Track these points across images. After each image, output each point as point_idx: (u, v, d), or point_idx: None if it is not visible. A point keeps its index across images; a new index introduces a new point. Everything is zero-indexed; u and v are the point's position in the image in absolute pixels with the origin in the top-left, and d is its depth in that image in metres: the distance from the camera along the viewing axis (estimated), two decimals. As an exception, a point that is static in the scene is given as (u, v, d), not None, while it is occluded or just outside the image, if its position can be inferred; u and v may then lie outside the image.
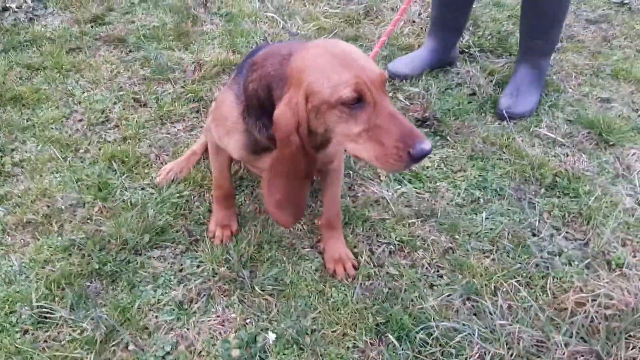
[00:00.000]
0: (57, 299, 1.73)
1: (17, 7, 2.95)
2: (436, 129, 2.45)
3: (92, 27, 2.89)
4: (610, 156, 2.38)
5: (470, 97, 2.65)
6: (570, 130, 2.50)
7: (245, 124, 1.54)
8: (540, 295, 1.85)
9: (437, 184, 2.23)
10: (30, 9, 2.96)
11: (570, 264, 1.95)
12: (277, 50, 1.43)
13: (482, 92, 2.64)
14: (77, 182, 2.09)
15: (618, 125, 2.49)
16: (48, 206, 2.01)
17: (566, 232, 2.06)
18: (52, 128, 2.30)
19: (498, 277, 1.87)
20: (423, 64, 2.72)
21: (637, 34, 3.16)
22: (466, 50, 2.94)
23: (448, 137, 2.42)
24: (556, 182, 2.24)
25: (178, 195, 2.06)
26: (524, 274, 1.90)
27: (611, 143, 2.43)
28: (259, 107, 1.46)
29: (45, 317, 1.67)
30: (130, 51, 2.76)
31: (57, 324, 1.66)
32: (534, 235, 2.05)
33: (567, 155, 2.38)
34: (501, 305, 1.78)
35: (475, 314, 1.77)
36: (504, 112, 2.49)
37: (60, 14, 2.95)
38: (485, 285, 1.85)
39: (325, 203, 1.88)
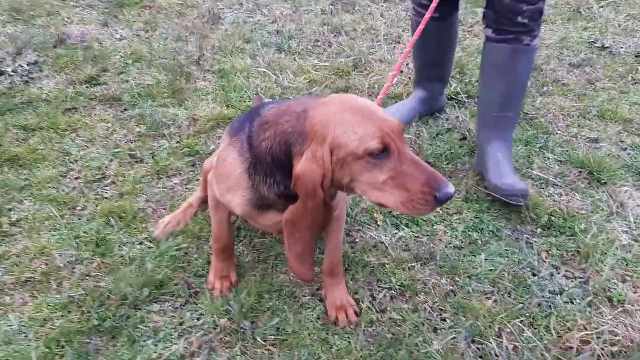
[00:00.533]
0: (57, 357, 1.70)
1: (12, 71, 3.00)
2: (430, 174, 2.48)
3: (87, 87, 2.93)
4: (603, 194, 2.41)
5: (461, 142, 2.69)
6: (561, 170, 2.54)
7: (252, 181, 1.55)
8: (544, 334, 1.84)
9: (435, 227, 2.24)
10: (26, 72, 3.01)
11: (572, 302, 1.95)
12: (289, 108, 1.46)
13: (472, 137, 2.68)
14: (75, 239, 2.08)
15: (608, 164, 2.53)
16: (46, 264, 1.99)
17: (565, 271, 2.07)
18: (49, 187, 2.31)
19: (501, 318, 1.86)
20: (412, 112, 2.77)
21: (619, 76, 3.25)
22: (454, 97, 3.01)
23: (442, 181, 2.45)
24: (552, 221, 2.26)
25: (176, 247, 2.05)
26: (527, 314, 1.89)
27: (603, 181, 2.47)
28: (272, 164, 1.48)
29: (45, 377, 1.64)
30: (125, 109, 2.80)
31: (57, 384, 1.63)
32: (533, 275, 2.05)
33: (561, 195, 2.41)
34: (507, 347, 1.77)
35: (481, 357, 1.76)
36: (510, 195, 2.27)
37: (55, 76, 3.00)
38: (489, 326, 1.84)
39: (328, 250, 1.88)
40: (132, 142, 2.59)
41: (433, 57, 2.71)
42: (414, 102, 2.80)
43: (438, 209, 1.39)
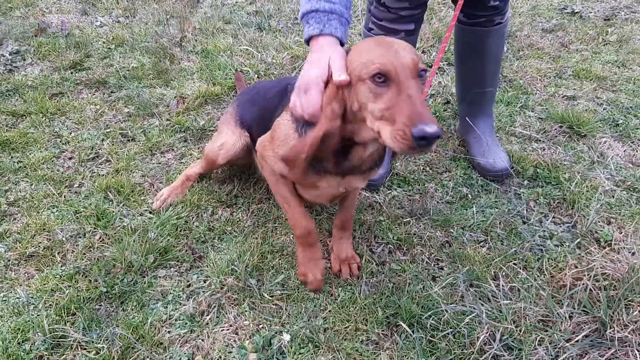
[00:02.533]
0: (68, 324, 1.73)
1: (-5, 61, 3.00)
2: (417, 136, 2.55)
3: (71, 73, 2.94)
4: (584, 146, 2.50)
5: (445, 106, 2.77)
6: (543, 126, 2.63)
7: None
8: (538, 276, 1.92)
9: (426, 185, 2.31)
10: (9, 62, 3.01)
11: (562, 245, 2.04)
12: None
13: (455, 101, 2.76)
14: (75, 214, 2.11)
15: (586, 118, 2.62)
16: (48, 239, 2.02)
17: (554, 217, 2.16)
18: (44, 167, 2.33)
19: (496, 262, 1.94)
20: None
21: (591, 38, 3.35)
22: (435, 65, 3.08)
23: (430, 143, 2.52)
24: (537, 173, 2.35)
25: (177, 217, 2.09)
26: (520, 258, 1.97)
27: (583, 134, 2.56)
28: None
29: (59, 342, 1.67)
30: (112, 92, 2.82)
31: (72, 347, 1.66)
32: (524, 222, 2.14)
33: (544, 149, 2.50)
34: (503, 287, 1.85)
35: (480, 298, 1.83)
36: (491, 174, 2.34)
37: (39, 64, 3.01)
38: (485, 271, 1.92)
39: (344, 206, 1.94)
40: (122, 122, 2.61)
41: None
42: None
43: (424, 151, 1.32)
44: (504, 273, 1.91)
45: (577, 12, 3.61)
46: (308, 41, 1.57)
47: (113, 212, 2.12)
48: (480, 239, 2.07)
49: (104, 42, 3.20)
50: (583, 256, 1.97)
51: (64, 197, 2.19)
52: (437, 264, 1.98)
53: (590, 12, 3.61)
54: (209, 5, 3.75)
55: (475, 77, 2.38)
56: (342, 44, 1.56)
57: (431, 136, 1.27)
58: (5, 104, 2.68)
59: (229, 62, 3.05)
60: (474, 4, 2.18)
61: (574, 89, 2.90)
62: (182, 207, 2.14)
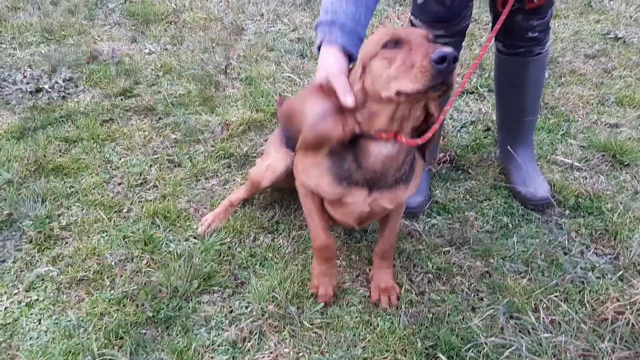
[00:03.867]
0: (116, 347, 1.80)
1: (49, 88, 3.14)
2: (457, 164, 2.57)
3: (121, 99, 3.06)
4: (627, 175, 2.48)
5: (486, 133, 2.78)
6: (585, 155, 2.61)
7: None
8: (579, 308, 1.91)
9: (465, 213, 2.32)
10: (63, 88, 3.15)
11: (604, 277, 2.02)
12: None
13: (495, 127, 2.76)
14: (123, 239, 2.19)
15: (630, 147, 2.60)
16: (98, 263, 2.10)
17: (595, 248, 2.14)
18: (95, 192, 2.43)
19: (537, 294, 1.94)
20: None
21: (635, 64, 3.32)
22: (475, 91, 3.10)
23: (469, 170, 2.54)
24: (579, 203, 2.33)
25: (220, 243, 2.15)
26: (562, 290, 1.96)
27: (626, 163, 2.54)
28: None
29: (108, 365, 1.74)
30: (160, 118, 2.93)
31: (120, 370, 1.73)
32: (565, 253, 2.13)
33: (586, 178, 2.48)
34: (544, 320, 1.84)
35: (520, 330, 1.83)
36: (532, 203, 2.34)
37: (91, 91, 3.14)
38: (526, 303, 1.92)
39: (384, 235, 1.95)
40: (169, 148, 2.71)
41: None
42: None
43: (446, 78, 1.29)
44: (544, 305, 1.90)
45: (620, 38, 3.58)
46: (319, 48, 1.65)
47: (160, 237, 2.20)
48: (521, 270, 2.06)
49: (152, 70, 3.32)
50: (625, 289, 1.95)
51: (113, 222, 2.28)
52: (477, 295, 1.99)
53: (634, 38, 3.58)
54: (252, 32, 3.85)
55: (514, 107, 2.38)
56: (349, 54, 1.60)
57: (449, 55, 1.28)
58: (59, 130, 2.81)
59: (272, 88, 3.13)
60: (513, 35, 2.20)
61: (617, 116, 2.88)
62: (226, 232, 2.20)
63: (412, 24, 2.18)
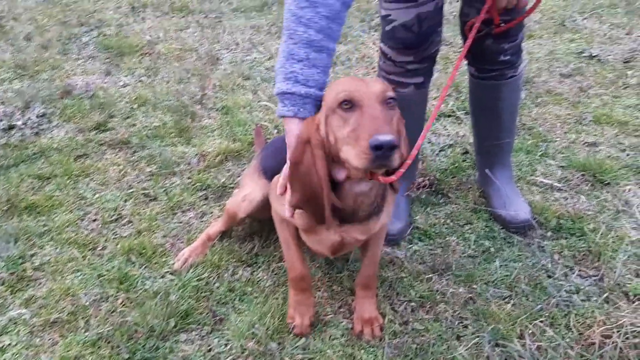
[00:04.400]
0: (90, 393, 1.73)
1: (22, 124, 3.09)
2: (437, 188, 2.55)
3: (95, 134, 3.02)
4: (608, 194, 2.47)
5: (464, 156, 2.77)
6: (564, 175, 2.60)
7: None
8: (565, 333, 1.87)
9: (447, 238, 2.29)
10: (36, 125, 3.10)
11: (589, 300, 1.99)
12: None
13: (474, 152, 2.75)
14: (98, 278, 2.13)
15: (609, 166, 2.60)
16: (72, 304, 2.03)
17: (579, 270, 2.12)
18: (68, 230, 2.37)
19: (522, 320, 1.90)
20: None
21: (610, 82, 3.34)
22: (452, 114, 3.09)
23: (449, 194, 2.51)
24: (561, 224, 2.31)
25: (197, 278, 2.10)
26: (547, 315, 1.93)
27: (606, 182, 2.53)
28: None
29: (81, 412, 1.67)
30: (135, 152, 2.88)
31: (94, 417, 1.66)
32: (549, 277, 2.09)
33: (567, 199, 2.47)
34: (530, 347, 1.80)
35: (506, 359, 1.79)
36: (513, 226, 2.30)
37: (64, 126, 3.09)
38: (511, 329, 1.88)
39: (365, 263, 1.93)
40: (144, 182, 2.66)
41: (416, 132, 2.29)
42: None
43: (384, 163, 1.37)
44: (530, 331, 1.86)
45: (595, 56, 3.61)
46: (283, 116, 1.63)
47: (135, 274, 2.14)
48: (505, 295, 2.03)
49: (127, 102, 3.29)
50: (612, 311, 1.92)
51: (88, 260, 2.22)
52: (461, 322, 1.94)
53: (609, 55, 3.61)
54: (228, 62, 3.83)
55: (491, 130, 2.37)
56: None
57: (385, 144, 1.33)
58: (32, 168, 2.75)
59: (249, 117, 3.10)
60: (484, 59, 2.20)
61: (595, 134, 2.88)
62: (203, 267, 2.15)
63: (382, 51, 2.17)
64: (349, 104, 1.46)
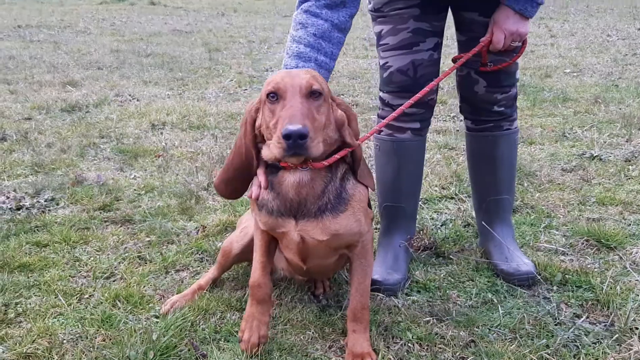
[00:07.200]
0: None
1: (30, 205, 3.14)
2: (437, 251, 2.48)
3: (100, 213, 3.04)
4: (615, 256, 2.38)
5: (466, 228, 2.73)
6: (569, 242, 2.54)
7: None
8: (576, 372, 1.72)
9: (448, 292, 2.19)
10: (43, 206, 3.15)
11: (600, 343, 1.84)
12: None
13: (474, 210, 2.71)
14: (80, 320, 2.04)
15: (615, 232, 2.53)
16: (49, 342, 1.93)
17: (588, 317, 1.99)
18: (58, 284, 2.31)
19: (527, 353, 1.75)
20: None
21: (613, 174, 3.36)
22: (454, 197, 3.10)
23: (451, 256, 2.44)
24: (566, 279, 2.22)
25: (182, 319, 2.00)
26: (554, 353, 1.78)
27: (612, 246, 2.45)
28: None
29: None
30: (136, 225, 2.88)
31: None
32: (556, 324, 1.96)
33: (572, 260, 2.38)
34: (536, 379, 1.65)
35: (509, 389, 1.63)
36: (516, 278, 2.22)
37: (70, 207, 3.13)
38: (516, 364, 1.73)
39: (352, 293, 1.85)
40: (141, 249, 2.63)
41: (414, 182, 2.39)
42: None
43: (296, 150, 1.51)
44: (536, 366, 1.71)
45: (596, 156, 3.66)
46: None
47: (119, 315, 2.05)
48: (509, 337, 1.89)
49: (134, 190, 3.35)
50: (623, 351, 1.77)
51: (72, 306, 2.14)
52: (462, 361, 1.80)
53: (610, 156, 3.66)
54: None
55: (489, 185, 2.37)
56: None
57: (293, 133, 1.45)
58: (32, 237, 2.75)
59: (252, 201, 3.12)
60: (479, 110, 2.27)
61: (599, 212, 2.85)
62: (189, 309, 2.06)
63: (381, 99, 2.27)
64: (275, 96, 1.60)
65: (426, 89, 2.02)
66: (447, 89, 5.56)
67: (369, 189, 1.83)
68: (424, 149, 2.37)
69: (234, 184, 1.83)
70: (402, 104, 2.17)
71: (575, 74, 6.57)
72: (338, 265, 2.05)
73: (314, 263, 1.86)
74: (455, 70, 2.23)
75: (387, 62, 2.18)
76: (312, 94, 1.60)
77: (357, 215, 1.74)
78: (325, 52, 1.87)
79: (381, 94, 2.26)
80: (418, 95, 2.00)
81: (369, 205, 1.88)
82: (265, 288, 1.87)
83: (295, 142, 1.47)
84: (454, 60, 2.14)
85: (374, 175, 2.38)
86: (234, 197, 1.89)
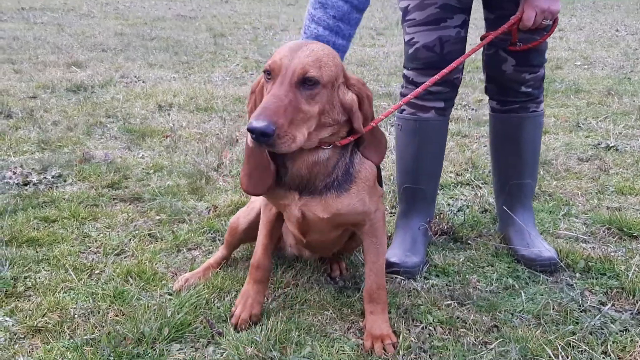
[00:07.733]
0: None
1: (37, 181, 3.08)
2: (455, 236, 2.43)
3: (108, 190, 2.98)
4: (639, 245, 2.33)
5: (483, 214, 2.67)
6: (589, 229, 2.48)
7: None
8: (603, 358, 1.67)
9: (467, 276, 2.14)
10: (51, 182, 3.09)
11: (628, 331, 1.79)
12: None
13: (493, 208, 2.66)
14: (91, 295, 1.99)
15: (637, 222, 2.48)
16: (60, 316, 1.88)
17: (614, 305, 1.93)
18: (67, 259, 2.25)
19: (554, 340, 1.70)
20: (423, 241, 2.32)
21: (631, 164, 3.31)
22: (469, 183, 3.04)
23: (469, 242, 2.39)
24: (589, 266, 2.16)
25: (197, 296, 1.94)
26: (581, 339, 1.73)
27: (634, 235, 2.40)
28: None
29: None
30: (145, 204, 2.82)
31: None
32: (581, 311, 1.91)
33: (594, 248, 2.33)
34: (564, 363, 1.60)
35: (537, 374, 1.58)
36: (538, 264, 2.16)
37: (78, 184, 3.07)
38: (541, 350, 1.68)
39: (367, 273, 1.80)
40: (152, 228, 2.57)
41: (435, 164, 2.33)
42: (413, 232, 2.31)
43: (264, 144, 1.42)
44: (561, 354, 1.66)
45: (612, 146, 3.60)
46: None
47: (131, 292, 1.99)
48: (533, 323, 1.84)
49: (143, 168, 3.29)
50: (654, 338, 1.72)
51: (83, 281, 2.09)
52: (485, 346, 1.74)
53: (626, 147, 3.60)
54: (247, 143, 3.88)
55: (512, 167, 2.31)
56: None
57: (254, 130, 1.37)
58: (40, 212, 2.69)
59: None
60: (506, 90, 2.21)
61: (619, 202, 2.79)
62: (204, 287, 2.00)
63: (405, 76, 2.20)
64: (269, 75, 1.52)
65: (453, 64, 1.96)
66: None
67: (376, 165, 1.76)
68: (447, 131, 2.31)
69: (254, 176, 1.67)
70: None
71: (586, 66, 6.50)
72: (341, 242, 2.00)
73: (314, 238, 1.83)
74: (482, 49, 2.16)
75: (412, 38, 2.12)
76: (306, 82, 1.49)
77: (360, 195, 1.69)
78: (344, 34, 1.86)
79: (405, 71, 2.20)
80: (444, 71, 1.94)
81: (380, 183, 1.82)
82: (264, 269, 1.88)
83: (257, 138, 1.39)
84: (482, 38, 2.07)
85: (395, 155, 2.32)
86: (259, 192, 1.70)
